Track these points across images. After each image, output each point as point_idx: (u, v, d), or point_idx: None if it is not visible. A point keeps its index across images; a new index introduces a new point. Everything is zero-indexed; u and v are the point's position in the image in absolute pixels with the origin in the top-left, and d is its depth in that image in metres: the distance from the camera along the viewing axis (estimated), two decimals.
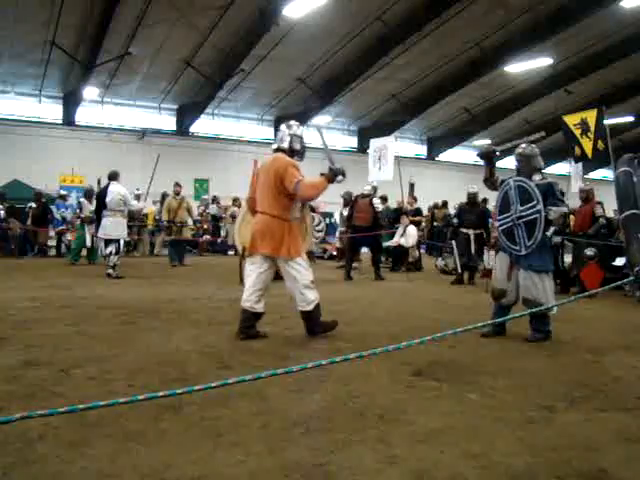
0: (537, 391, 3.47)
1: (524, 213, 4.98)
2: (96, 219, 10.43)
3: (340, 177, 4.95)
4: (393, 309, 6.81)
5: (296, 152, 5.04)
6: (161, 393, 2.25)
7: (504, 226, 5.17)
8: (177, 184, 12.66)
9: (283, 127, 5.13)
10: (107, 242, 9.80)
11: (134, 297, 7.22)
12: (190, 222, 14.39)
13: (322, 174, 4.98)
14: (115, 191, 9.87)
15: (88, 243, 12.17)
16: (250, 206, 5.27)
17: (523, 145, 5.31)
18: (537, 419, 2.97)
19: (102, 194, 10.03)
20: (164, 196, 16.30)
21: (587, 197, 9.41)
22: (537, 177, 5.16)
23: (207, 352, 4.29)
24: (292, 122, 5.16)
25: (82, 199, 12.64)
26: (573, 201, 12.38)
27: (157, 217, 15.92)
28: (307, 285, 4.81)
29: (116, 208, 9.83)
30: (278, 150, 5.03)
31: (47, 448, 2.47)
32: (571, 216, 10.95)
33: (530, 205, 4.96)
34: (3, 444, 2.49)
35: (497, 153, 5.33)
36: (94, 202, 11.79)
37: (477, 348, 4.67)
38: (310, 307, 4.84)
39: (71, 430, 2.66)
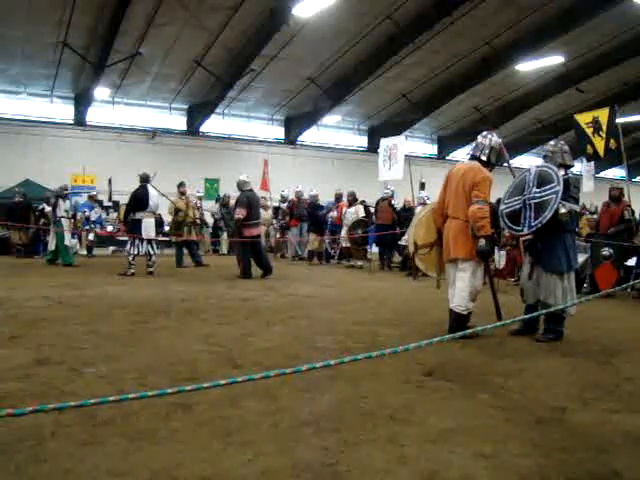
0: (548, 391, 3.45)
1: (537, 194, 4.90)
2: (126, 219, 10.55)
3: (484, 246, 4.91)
4: (402, 308, 6.79)
5: (491, 164, 5.21)
6: (170, 390, 2.25)
7: (510, 208, 5.11)
8: (181, 184, 12.31)
9: (481, 138, 5.27)
10: (147, 241, 10.09)
11: (145, 296, 7.25)
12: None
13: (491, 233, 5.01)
14: (155, 194, 10.29)
15: (67, 242, 11.87)
16: (437, 210, 5.40)
17: (552, 142, 5.41)
18: (548, 420, 2.95)
19: (141, 195, 10.10)
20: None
21: (619, 196, 9.02)
22: (561, 172, 5.14)
23: (218, 351, 4.30)
24: (489, 133, 5.33)
25: (57, 197, 11.99)
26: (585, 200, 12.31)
27: (216, 217, 16.77)
28: (472, 292, 5.04)
29: (154, 210, 10.30)
30: (474, 158, 5.19)
31: (59, 446, 2.49)
32: (590, 216, 10.86)
33: (548, 187, 4.86)
34: (15, 442, 2.50)
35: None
36: (67, 201, 12.07)
37: (488, 348, 4.65)
38: (465, 313, 5.04)
39: (82, 428, 2.67)
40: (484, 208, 4.82)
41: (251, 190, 10.18)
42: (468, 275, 5.02)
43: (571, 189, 5.03)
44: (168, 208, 12.37)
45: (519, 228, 5.00)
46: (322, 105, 21.49)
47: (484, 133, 5.34)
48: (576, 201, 5.14)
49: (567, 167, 5.23)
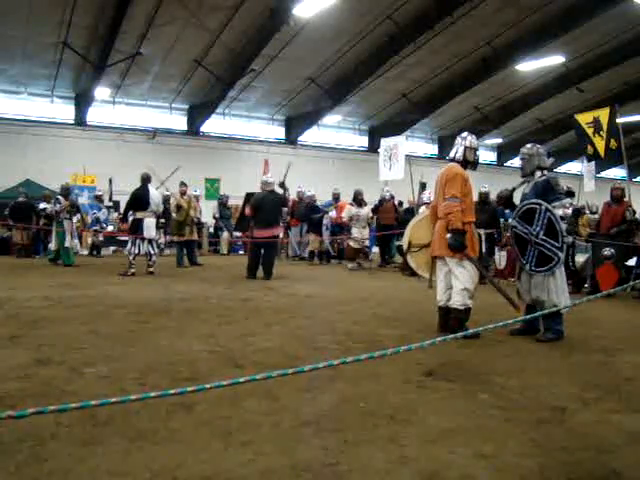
0: (549, 391, 3.45)
1: (538, 228, 5.03)
2: (125, 218, 10.68)
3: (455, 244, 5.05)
4: (403, 309, 6.79)
5: (469, 163, 5.38)
6: (172, 391, 2.25)
7: (533, 259, 5.12)
8: (183, 184, 12.30)
9: (458, 139, 5.44)
10: (147, 241, 10.10)
11: (145, 296, 7.25)
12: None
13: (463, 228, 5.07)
14: (156, 194, 10.32)
15: (67, 243, 11.74)
16: (431, 213, 5.57)
17: (528, 145, 5.47)
18: (549, 420, 2.95)
19: (141, 195, 10.10)
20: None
21: (621, 196, 8.94)
22: (538, 174, 5.30)
23: (218, 351, 4.31)
24: (466, 134, 5.48)
25: (60, 197, 11.95)
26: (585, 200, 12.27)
27: (216, 217, 16.62)
28: (466, 288, 5.09)
29: (155, 210, 10.28)
30: (453, 160, 5.36)
31: (59, 446, 2.49)
32: (591, 216, 10.82)
33: (537, 216, 5.02)
34: (16, 442, 2.51)
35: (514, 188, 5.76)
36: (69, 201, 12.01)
37: (488, 348, 4.65)
38: (461, 308, 5.09)
39: (82, 429, 2.68)
40: (451, 204, 4.99)
41: (271, 191, 10.11)
42: (458, 272, 5.12)
43: (555, 188, 5.17)
44: (171, 207, 12.41)
45: (555, 260, 4.98)
46: (322, 105, 21.46)
47: (463, 134, 5.49)
48: (566, 194, 5.29)
49: (543, 169, 5.34)
